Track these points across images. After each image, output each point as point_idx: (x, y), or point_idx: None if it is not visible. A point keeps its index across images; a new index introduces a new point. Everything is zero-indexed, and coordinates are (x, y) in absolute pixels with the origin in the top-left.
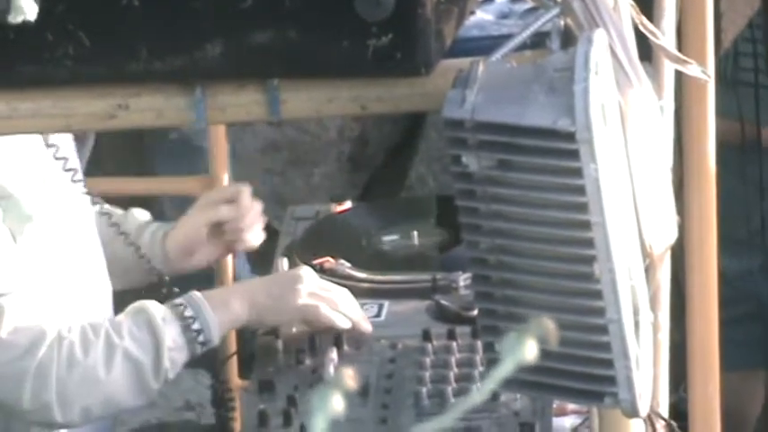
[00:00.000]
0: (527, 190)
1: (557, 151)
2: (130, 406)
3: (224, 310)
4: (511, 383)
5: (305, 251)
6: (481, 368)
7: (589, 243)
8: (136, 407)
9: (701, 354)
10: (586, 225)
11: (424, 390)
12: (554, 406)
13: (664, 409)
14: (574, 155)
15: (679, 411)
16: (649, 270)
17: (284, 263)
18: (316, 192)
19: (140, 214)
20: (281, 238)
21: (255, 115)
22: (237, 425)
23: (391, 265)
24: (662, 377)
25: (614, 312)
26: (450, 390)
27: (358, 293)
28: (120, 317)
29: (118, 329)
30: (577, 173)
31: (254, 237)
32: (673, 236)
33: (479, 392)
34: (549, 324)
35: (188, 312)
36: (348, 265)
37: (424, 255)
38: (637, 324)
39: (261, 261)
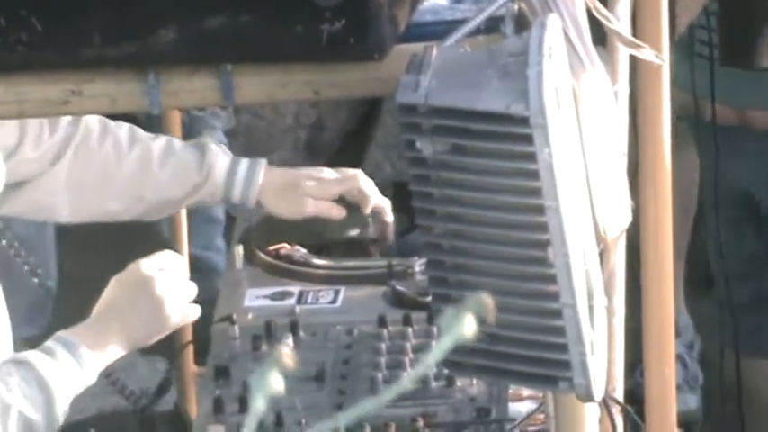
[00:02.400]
0: (481, 175)
1: (510, 136)
2: None
3: (101, 352)
4: (466, 368)
5: (261, 238)
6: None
7: (543, 228)
8: None
9: (656, 338)
10: (540, 210)
11: (380, 375)
12: (510, 391)
13: (619, 394)
14: (528, 139)
15: (635, 396)
16: (604, 255)
17: (240, 250)
18: None
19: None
20: (237, 224)
21: (209, 100)
22: (194, 411)
23: (347, 252)
24: (617, 362)
25: (569, 297)
26: (405, 375)
27: (314, 280)
28: (7, 368)
29: (8, 386)
30: (531, 157)
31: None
32: (627, 220)
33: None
34: (487, 300)
35: (64, 356)
36: (304, 251)
37: (379, 241)
38: (591, 309)
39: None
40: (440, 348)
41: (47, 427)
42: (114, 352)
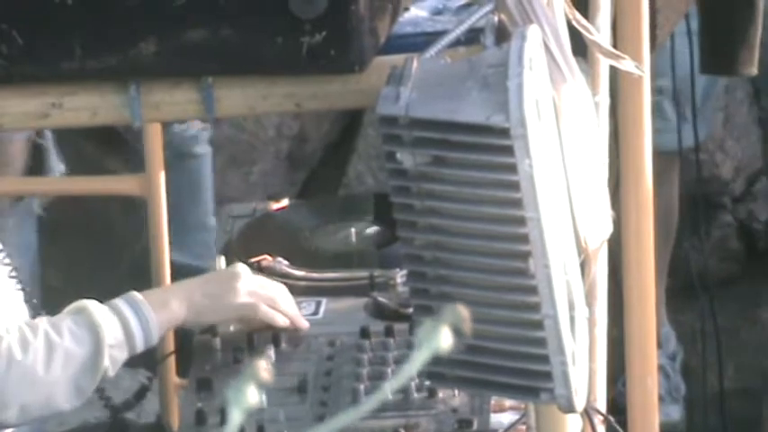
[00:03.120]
0: (462, 186)
1: (491, 147)
2: (69, 405)
3: (163, 310)
4: (447, 379)
5: (242, 249)
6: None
7: (524, 239)
8: (74, 406)
9: (639, 348)
10: (521, 221)
11: (362, 386)
12: (492, 402)
13: (602, 404)
14: (508, 151)
15: (618, 406)
16: (585, 265)
17: (222, 261)
18: (254, 190)
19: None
20: (218, 236)
21: (191, 113)
22: (176, 423)
23: (329, 263)
24: (599, 372)
25: (550, 308)
26: (385, 386)
27: (296, 291)
28: (60, 316)
29: (57, 328)
30: (512, 169)
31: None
32: (608, 231)
33: (394, 380)
34: (463, 311)
35: (127, 312)
36: (286, 263)
37: (361, 252)
38: (572, 319)
39: None
40: (417, 360)
41: (94, 370)
42: (174, 311)
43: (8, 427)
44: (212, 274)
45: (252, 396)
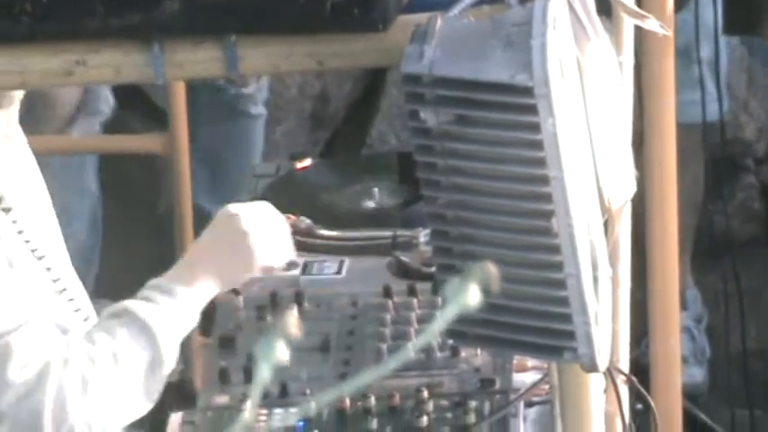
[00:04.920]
0: (485, 145)
1: (514, 106)
2: (143, 411)
3: (196, 290)
4: (470, 338)
5: None
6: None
7: (547, 198)
8: (147, 410)
9: (661, 309)
10: (544, 180)
11: (385, 346)
12: (514, 362)
13: (624, 365)
14: (531, 110)
15: (641, 367)
16: (608, 225)
17: None
18: (277, 149)
19: None
20: (242, 196)
21: (214, 71)
22: (199, 381)
23: (352, 222)
24: (622, 332)
25: (573, 267)
26: (410, 345)
27: (318, 250)
28: (107, 322)
29: (113, 336)
30: (535, 128)
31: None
32: (631, 190)
33: (420, 340)
34: (491, 268)
35: (167, 302)
36: (308, 221)
37: (384, 211)
38: (596, 279)
39: None
40: (444, 318)
41: (158, 368)
42: (209, 290)
43: None
44: (221, 235)
45: (280, 352)
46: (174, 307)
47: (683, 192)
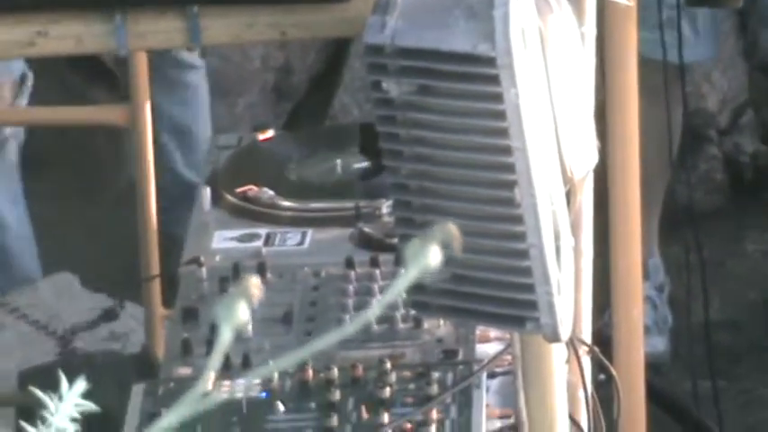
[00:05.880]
0: (448, 115)
1: (477, 76)
2: None
3: None
4: (433, 309)
5: (228, 180)
6: (404, 295)
7: (510, 168)
8: None
9: (624, 279)
10: (507, 150)
11: (348, 317)
12: (477, 333)
13: (587, 335)
14: (494, 80)
15: (603, 337)
16: (570, 195)
17: (207, 191)
18: (239, 122)
19: None
20: (203, 166)
21: (176, 42)
22: (161, 353)
23: (315, 194)
24: (584, 303)
25: (535, 237)
26: (373, 303)
27: (281, 222)
28: None
29: None
30: (498, 98)
31: None
32: (593, 161)
33: (382, 301)
34: (452, 229)
35: None
36: (271, 193)
37: (347, 183)
38: (558, 249)
39: None
40: (405, 278)
41: None
42: None
43: None
44: None
45: (242, 313)
46: None
47: (654, 141)
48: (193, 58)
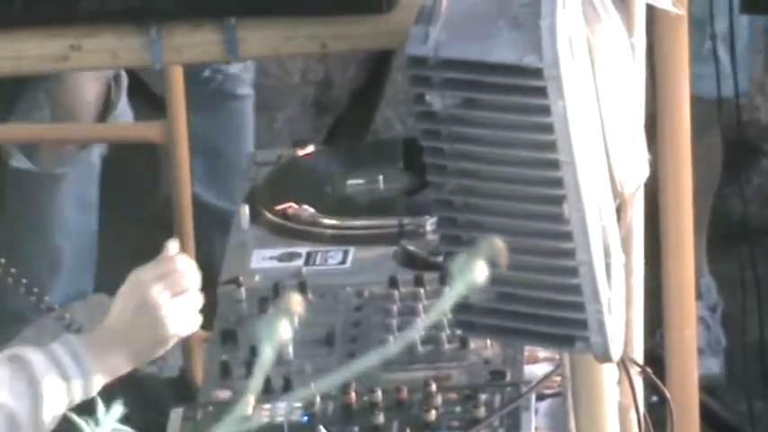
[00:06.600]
0: (493, 129)
1: (523, 88)
2: None
3: (104, 362)
4: (479, 329)
5: (267, 197)
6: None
7: (558, 183)
8: None
9: (677, 297)
10: (555, 164)
11: (392, 338)
12: (525, 353)
13: (638, 355)
14: (541, 92)
15: (655, 357)
16: (621, 210)
17: (246, 210)
18: (278, 137)
19: None
20: (242, 184)
21: (213, 55)
22: (200, 376)
23: (357, 211)
24: (636, 322)
25: (585, 254)
26: (418, 321)
27: (323, 240)
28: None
29: None
30: (545, 110)
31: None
32: (644, 174)
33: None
34: (499, 244)
35: (67, 361)
36: (312, 210)
37: (390, 199)
38: (608, 266)
39: None
40: (451, 294)
41: (32, 426)
42: (119, 367)
43: None
44: (132, 310)
45: (284, 330)
46: (73, 374)
47: (698, 171)
48: (244, 88)
